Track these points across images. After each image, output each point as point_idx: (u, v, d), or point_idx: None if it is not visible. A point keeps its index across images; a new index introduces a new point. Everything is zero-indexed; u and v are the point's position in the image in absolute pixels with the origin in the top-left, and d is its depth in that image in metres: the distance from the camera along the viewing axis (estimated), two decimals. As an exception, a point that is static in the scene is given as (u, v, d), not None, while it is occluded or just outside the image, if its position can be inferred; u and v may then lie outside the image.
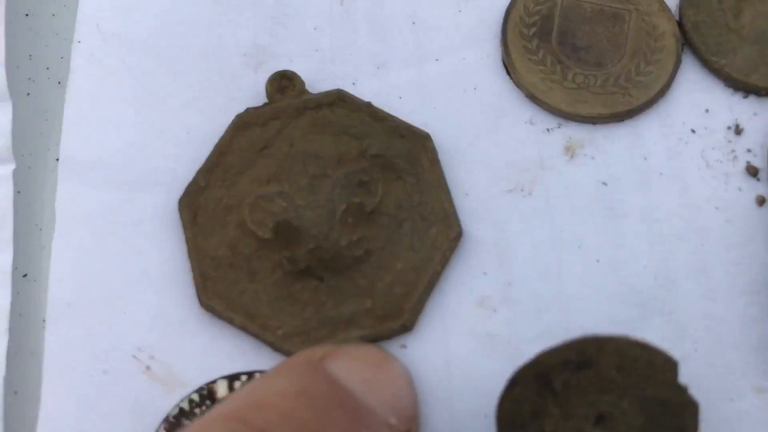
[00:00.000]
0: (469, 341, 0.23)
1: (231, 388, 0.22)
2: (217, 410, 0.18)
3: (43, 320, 0.24)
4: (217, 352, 0.23)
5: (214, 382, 0.22)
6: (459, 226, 0.23)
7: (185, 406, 0.22)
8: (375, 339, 0.23)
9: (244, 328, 0.23)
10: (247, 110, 0.25)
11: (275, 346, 0.23)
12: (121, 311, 0.23)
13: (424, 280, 0.23)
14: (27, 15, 0.28)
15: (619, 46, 0.26)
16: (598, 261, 0.24)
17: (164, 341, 0.23)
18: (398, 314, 0.23)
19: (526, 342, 0.23)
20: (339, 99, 0.25)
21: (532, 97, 0.25)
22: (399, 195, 0.24)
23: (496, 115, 0.26)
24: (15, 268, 0.24)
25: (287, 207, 0.23)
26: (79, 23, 0.27)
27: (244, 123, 0.25)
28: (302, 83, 0.25)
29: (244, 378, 0.22)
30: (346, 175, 0.24)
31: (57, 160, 0.26)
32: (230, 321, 0.23)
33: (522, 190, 0.25)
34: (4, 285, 0.24)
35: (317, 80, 0.26)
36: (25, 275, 0.24)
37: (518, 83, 0.26)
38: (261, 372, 0.22)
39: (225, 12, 0.27)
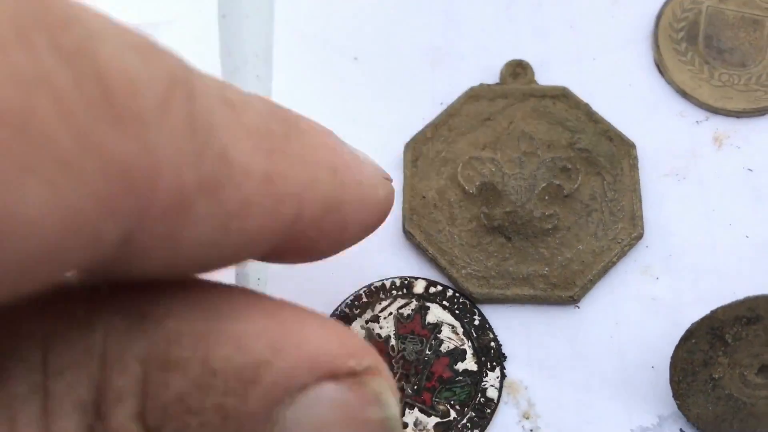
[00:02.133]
0: (635, 305, 0.26)
1: (427, 289, 0.26)
2: None
3: (258, 279, 0.28)
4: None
5: (416, 278, 0.27)
6: (642, 228, 0.27)
7: (387, 283, 0.27)
8: (543, 301, 0.26)
9: (434, 260, 0.27)
10: (481, 85, 0.29)
11: (456, 283, 0.26)
12: (330, 272, 0.27)
13: (599, 266, 0.26)
14: (224, 17, 0.33)
15: (760, 49, 0.29)
16: (747, 237, 0.27)
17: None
18: (570, 287, 0.26)
19: (686, 305, 0.26)
20: (562, 94, 0.29)
21: (683, 93, 0.29)
22: (595, 188, 0.27)
23: (649, 110, 0.29)
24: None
25: (495, 172, 0.27)
26: (276, 24, 0.31)
27: (475, 94, 0.29)
28: (533, 73, 0.29)
29: (439, 288, 0.26)
30: (553, 159, 0.28)
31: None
32: (424, 251, 0.27)
33: (677, 175, 0.28)
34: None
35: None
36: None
37: (669, 81, 0.29)
38: (453, 291, 0.26)
39: (406, 17, 0.31)
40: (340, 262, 0.28)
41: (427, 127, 0.29)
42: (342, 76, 0.30)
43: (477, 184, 0.27)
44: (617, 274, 0.27)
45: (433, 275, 0.27)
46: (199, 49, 0.30)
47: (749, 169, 0.28)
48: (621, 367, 0.26)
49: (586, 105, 0.28)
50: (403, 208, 0.28)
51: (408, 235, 0.27)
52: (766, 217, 0.27)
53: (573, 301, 0.26)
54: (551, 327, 0.26)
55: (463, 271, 0.27)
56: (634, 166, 0.28)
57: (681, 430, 0.25)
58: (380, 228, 0.28)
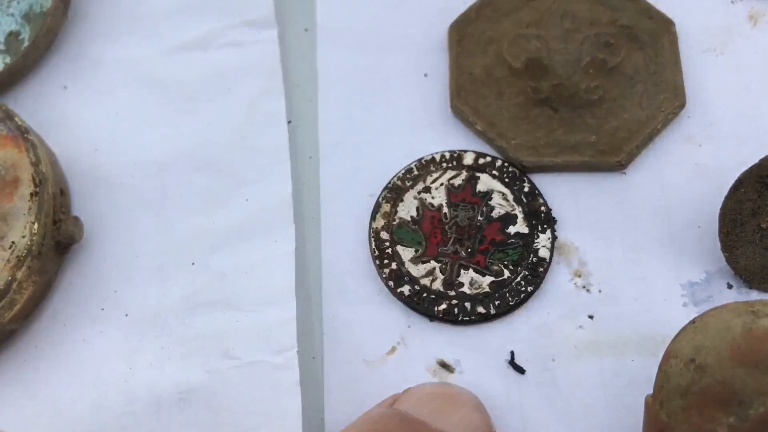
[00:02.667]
0: (680, 170, 0.27)
1: (476, 160, 0.27)
2: None
3: (310, 157, 0.28)
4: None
5: (465, 151, 0.27)
6: (685, 98, 0.27)
7: (437, 157, 0.27)
8: (592, 167, 0.27)
9: (484, 133, 0.27)
10: None
11: (507, 153, 0.27)
12: (381, 149, 0.28)
13: (646, 132, 0.27)
14: None
15: (793, -69, 0.30)
16: (785, 105, 0.28)
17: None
18: (617, 152, 0.27)
19: (728, 170, 0.27)
20: None
21: (719, -25, 0.30)
22: (638, 62, 0.28)
23: (686, -9, 0.30)
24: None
25: (541, 48, 0.28)
26: None
27: None
28: None
29: (489, 158, 0.27)
30: (597, 34, 0.28)
31: (305, 30, 0.30)
32: (473, 125, 0.28)
33: (714, 50, 0.29)
34: (280, 124, 0.28)
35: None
36: (289, 122, 0.29)
37: (705, -37, 0.30)
38: (502, 161, 0.27)
39: None
40: (391, 140, 0.28)
41: (470, 8, 0.29)
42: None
43: (523, 59, 0.28)
44: (661, 143, 0.28)
45: (482, 149, 0.28)
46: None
47: (784, 44, 0.29)
48: (668, 228, 0.26)
49: None
50: (450, 86, 0.28)
51: (456, 110, 0.28)
52: (802, 87, 0.28)
53: (620, 166, 0.27)
54: (599, 193, 0.27)
55: (513, 142, 0.27)
56: (673, 42, 0.28)
57: (728, 283, 0.26)
58: (427, 106, 0.29)
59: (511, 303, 0.25)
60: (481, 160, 0.27)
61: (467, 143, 0.28)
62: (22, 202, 0.25)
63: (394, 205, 0.27)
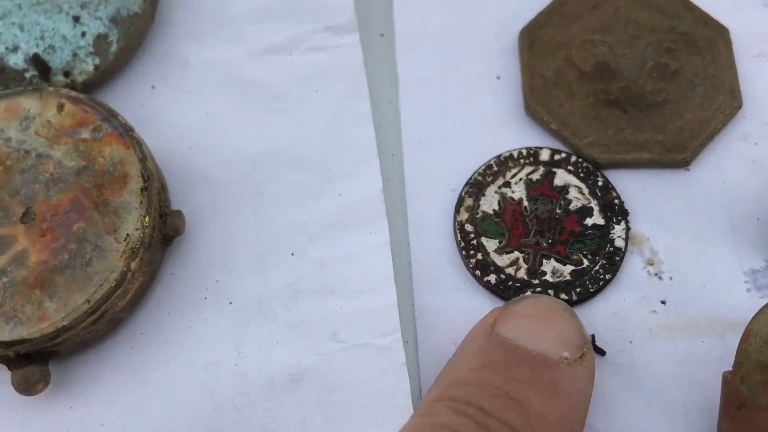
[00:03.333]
0: (738, 167, 0.29)
1: (552, 156, 0.29)
2: (431, 395, 0.23)
3: (392, 155, 0.30)
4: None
5: (541, 148, 0.29)
6: (741, 99, 0.30)
7: (515, 154, 0.30)
8: (660, 164, 0.29)
9: (558, 132, 0.29)
10: None
11: (580, 150, 0.29)
12: (460, 147, 0.30)
13: (707, 131, 0.29)
14: None
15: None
16: (832, 107, 0.30)
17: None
18: (682, 150, 0.29)
19: (782, 166, 0.29)
20: None
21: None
22: (697, 66, 0.30)
23: (738, 1, 0.32)
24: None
25: (607, 52, 0.30)
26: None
27: None
28: None
29: (563, 155, 0.29)
30: (659, 40, 0.30)
31: (381, 35, 0.32)
32: (548, 125, 0.30)
33: (765, 55, 0.31)
34: (367, 123, 0.30)
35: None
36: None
37: (753, -26, 0.32)
38: (576, 157, 0.29)
39: None
40: (468, 139, 0.30)
41: (540, 15, 0.31)
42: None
43: (592, 63, 0.30)
44: (721, 141, 0.30)
45: (556, 147, 0.30)
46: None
47: (829, 51, 0.31)
48: (730, 220, 0.29)
49: None
50: (524, 87, 0.30)
51: (531, 110, 0.30)
52: None
53: (686, 162, 0.29)
54: (666, 188, 0.29)
55: (586, 140, 0.29)
56: (728, 48, 0.31)
57: (786, 270, 0.28)
58: (501, 106, 0.31)
59: (591, 290, 0.27)
60: (557, 156, 0.29)
61: (542, 141, 0.30)
62: (132, 196, 0.27)
63: (477, 199, 0.29)
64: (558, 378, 0.23)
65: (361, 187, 0.29)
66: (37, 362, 0.26)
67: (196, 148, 0.30)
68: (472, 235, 0.28)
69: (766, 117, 0.30)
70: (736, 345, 0.24)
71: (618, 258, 0.28)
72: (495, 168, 0.29)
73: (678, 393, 0.27)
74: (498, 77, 0.31)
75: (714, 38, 0.31)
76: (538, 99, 0.30)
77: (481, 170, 0.29)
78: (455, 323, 0.27)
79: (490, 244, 0.28)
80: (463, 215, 0.29)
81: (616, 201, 0.29)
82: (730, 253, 0.28)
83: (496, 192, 0.29)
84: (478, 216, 0.29)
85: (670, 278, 0.28)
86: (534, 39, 0.31)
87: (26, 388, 0.26)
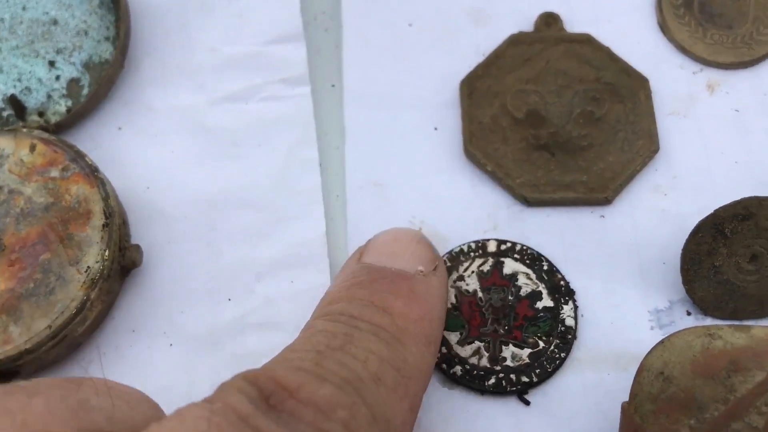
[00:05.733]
0: (649, 215, 0.32)
1: (498, 246, 0.32)
2: (313, 315, 0.26)
3: (337, 196, 0.33)
4: (473, 206, 0.33)
5: (487, 240, 0.32)
6: (658, 144, 0.33)
7: (465, 248, 0.32)
8: (584, 202, 0.32)
9: (493, 173, 0.32)
10: (520, 33, 0.35)
11: (513, 191, 0.32)
12: (403, 190, 0.33)
13: (627, 172, 0.32)
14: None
15: (744, 14, 0.36)
16: (736, 162, 0.33)
17: (432, 210, 0.32)
18: (604, 189, 0.32)
19: (688, 216, 0.32)
20: (587, 40, 0.35)
21: (682, 49, 0.35)
22: (619, 113, 0.34)
23: (655, 62, 0.35)
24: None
25: (538, 101, 0.34)
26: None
27: (515, 39, 0.35)
28: (562, 23, 0.35)
29: (509, 244, 0.32)
30: (585, 90, 0.34)
31: (332, 86, 0.35)
32: (484, 167, 0.33)
33: (679, 113, 0.34)
34: (314, 170, 0.33)
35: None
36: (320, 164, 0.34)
37: (671, 39, 0.35)
38: (521, 245, 0.32)
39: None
40: (410, 183, 0.33)
41: (478, 66, 0.35)
42: (401, 37, 0.36)
43: (524, 111, 0.33)
44: (634, 191, 0.33)
45: (491, 187, 0.33)
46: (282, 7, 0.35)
47: (736, 110, 0.34)
48: (638, 263, 0.32)
49: (608, 48, 0.35)
50: (464, 133, 0.33)
51: (469, 154, 0.33)
52: (749, 148, 0.34)
53: (607, 201, 0.32)
54: (582, 231, 0.32)
55: (518, 180, 0.32)
56: (648, 96, 0.34)
57: (687, 311, 0.31)
58: (442, 153, 0.34)
59: (549, 370, 0.29)
60: (503, 246, 0.32)
61: (479, 181, 0.33)
62: (94, 232, 0.30)
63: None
64: (415, 286, 0.26)
65: (306, 228, 0.31)
66: None
67: (156, 187, 0.33)
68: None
69: (676, 170, 0.33)
70: (637, 378, 0.27)
71: (570, 336, 0.30)
72: (449, 264, 0.31)
73: (584, 422, 0.29)
74: (435, 128, 0.34)
75: (635, 88, 0.34)
76: (476, 143, 0.33)
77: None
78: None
79: (452, 337, 0.30)
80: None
81: (562, 282, 0.31)
82: (638, 293, 0.31)
83: (452, 287, 0.31)
84: (440, 312, 0.31)
85: (582, 315, 0.31)
86: (473, 88, 0.34)
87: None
